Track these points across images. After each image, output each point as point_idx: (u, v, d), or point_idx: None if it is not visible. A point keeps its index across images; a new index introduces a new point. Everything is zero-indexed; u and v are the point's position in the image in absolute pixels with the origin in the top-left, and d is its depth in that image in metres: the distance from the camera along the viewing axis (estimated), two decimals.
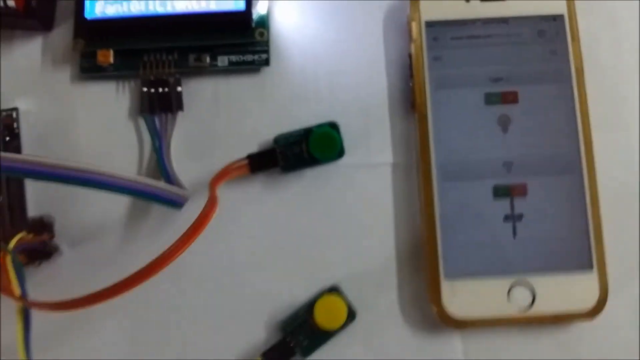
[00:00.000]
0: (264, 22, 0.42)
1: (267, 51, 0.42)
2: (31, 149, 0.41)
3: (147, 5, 0.40)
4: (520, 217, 0.38)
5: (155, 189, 0.37)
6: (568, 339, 0.38)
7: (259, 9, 0.42)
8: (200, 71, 0.42)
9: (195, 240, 0.35)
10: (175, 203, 0.38)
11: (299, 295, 0.39)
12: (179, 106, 0.41)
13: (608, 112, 0.41)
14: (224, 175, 0.38)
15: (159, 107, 0.41)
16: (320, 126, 0.40)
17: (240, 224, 0.40)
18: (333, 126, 0.40)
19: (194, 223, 0.35)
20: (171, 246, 0.34)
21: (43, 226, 0.40)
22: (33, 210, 0.40)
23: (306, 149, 0.39)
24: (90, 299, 0.33)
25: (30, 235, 0.39)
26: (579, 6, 0.40)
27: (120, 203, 0.40)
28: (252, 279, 0.40)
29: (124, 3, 0.40)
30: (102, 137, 0.42)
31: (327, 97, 0.42)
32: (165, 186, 0.38)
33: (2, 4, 0.40)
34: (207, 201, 0.36)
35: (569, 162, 0.39)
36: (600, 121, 0.40)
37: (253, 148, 0.41)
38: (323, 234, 0.40)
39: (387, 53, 0.42)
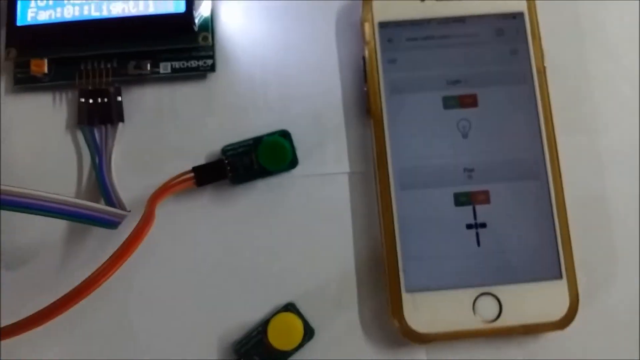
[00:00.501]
0: (207, 25, 0.40)
1: (212, 56, 0.40)
2: None
3: (81, 9, 0.39)
4: (483, 225, 0.37)
5: (86, 210, 0.35)
6: (538, 350, 0.37)
7: (202, 11, 0.40)
8: (141, 79, 0.40)
9: (142, 259, 0.35)
10: (110, 223, 0.36)
11: (253, 314, 0.38)
12: (120, 117, 0.40)
13: (572, 114, 0.40)
14: (165, 190, 0.37)
15: (98, 118, 0.40)
16: (270, 135, 0.39)
17: (189, 240, 0.39)
18: (284, 135, 0.39)
19: (124, 242, 0.34)
20: (100, 267, 0.33)
21: None
22: None
23: (256, 159, 0.38)
24: (15, 328, 0.33)
25: None
26: (539, 3, 0.40)
27: (58, 222, 0.38)
28: (202, 298, 0.38)
29: (57, 8, 0.39)
30: (38, 152, 0.40)
31: (277, 104, 0.40)
32: (97, 206, 0.36)
33: None
34: (141, 218, 0.35)
35: (533, 167, 0.38)
36: (564, 123, 0.39)
37: (200, 160, 0.39)
38: (277, 249, 0.39)
39: (340, 56, 0.41)
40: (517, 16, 0.40)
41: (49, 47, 0.40)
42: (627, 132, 0.40)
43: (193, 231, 0.39)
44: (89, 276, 0.32)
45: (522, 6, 0.40)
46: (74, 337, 0.38)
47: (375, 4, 0.40)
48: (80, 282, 0.33)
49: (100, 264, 0.34)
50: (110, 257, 0.33)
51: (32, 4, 0.39)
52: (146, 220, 0.35)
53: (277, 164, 0.38)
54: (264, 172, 0.39)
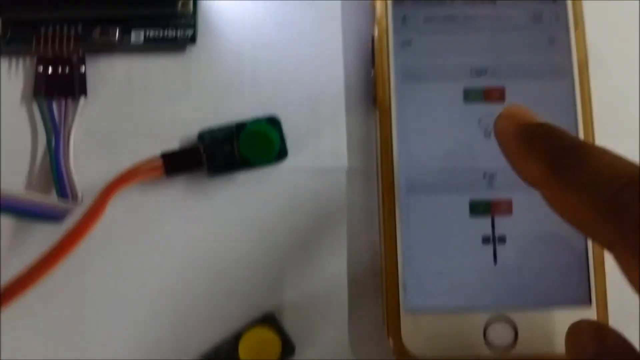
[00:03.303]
0: None
1: (193, 25, 0.40)
2: None
3: None
4: (502, 239, 0.37)
5: (22, 204, 0.35)
6: None
7: None
8: (109, 48, 0.40)
9: (99, 257, 0.36)
10: (53, 218, 0.36)
11: (226, 324, 0.38)
12: (82, 90, 0.40)
13: (616, 116, 0.40)
14: (125, 179, 0.37)
15: (57, 90, 0.40)
16: (255, 121, 0.39)
17: (154, 238, 0.39)
18: (272, 122, 0.39)
19: (61, 238, 0.34)
20: (31, 266, 0.33)
21: None
22: None
23: (237, 148, 0.38)
24: None
25: None
26: None
27: None
28: (167, 303, 0.38)
29: None
30: None
31: (268, 85, 0.40)
32: (37, 200, 0.36)
33: None
34: (87, 211, 0.35)
35: None
36: (605, 127, 0.39)
37: (173, 144, 0.39)
38: (258, 251, 0.39)
39: (346, 34, 0.41)
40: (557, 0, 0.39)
41: (5, 6, 0.40)
42: None
43: (160, 227, 0.39)
44: (17, 275, 0.33)
45: None
46: (23, 336, 0.38)
47: None
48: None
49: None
50: (44, 254, 0.34)
51: None
52: (92, 213, 0.35)
53: (261, 156, 0.38)
54: (247, 164, 0.38)
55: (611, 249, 0.23)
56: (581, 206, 0.24)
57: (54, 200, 0.36)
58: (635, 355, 0.24)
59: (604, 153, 0.24)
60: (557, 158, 0.25)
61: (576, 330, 0.27)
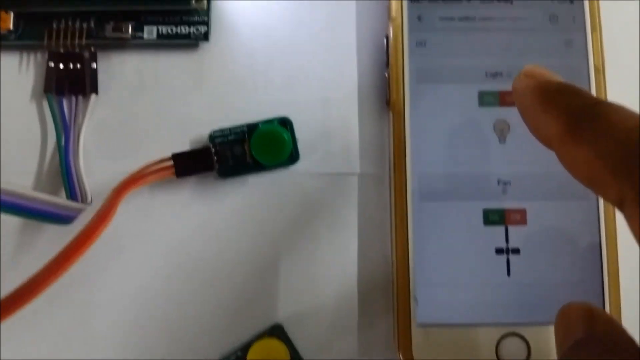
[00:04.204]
0: None
1: (206, 22, 0.38)
2: None
3: None
4: (516, 251, 0.35)
5: (31, 203, 0.32)
6: None
7: None
8: (121, 44, 0.38)
9: (108, 259, 0.35)
10: (62, 219, 0.34)
11: (233, 335, 0.36)
12: (93, 88, 0.38)
13: None
14: (136, 180, 0.35)
15: (68, 87, 0.38)
16: (267, 122, 0.37)
17: (163, 241, 0.37)
18: (284, 123, 0.37)
19: (72, 241, 0.32)
20: (42, 270, 0.31)
21: None
22: None
23: (249, 150, 0.36)
24: None
25: None
26: None
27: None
28: (174, 310, 0.36)
29: None
30: None
31: (280, 85, 0.38)
32: (45, 199, 0.33)
33: None
34: (97, 213, 0.33)
35: (581, 185, 0.35)
36: None
37: (184, 145, 0.37)
38: (267, 259, 0.37)
39: (360, 34, 0.39)
40: (574, 1, 0.37)
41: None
42: None
43: (169, 230, 0.37)
44: (28, 280, 0.31)
45: None
46: (31, 341, 0.36)
47: None
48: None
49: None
50: (54, 257, 0.32)
51: None
52: (102, 216, 0.33)
53: (273, 158, 0.36)
54: (258, 166, 0.37)
55: (621, 207, 0.22)
56: (595, 162, 0.22)
57: (62, 201, 0.35)
58: (626, 337, 0.23)
59: (621, 109, 0.23)
60: (574, 114, 0.24)
61: (566, 313, 0.26)
